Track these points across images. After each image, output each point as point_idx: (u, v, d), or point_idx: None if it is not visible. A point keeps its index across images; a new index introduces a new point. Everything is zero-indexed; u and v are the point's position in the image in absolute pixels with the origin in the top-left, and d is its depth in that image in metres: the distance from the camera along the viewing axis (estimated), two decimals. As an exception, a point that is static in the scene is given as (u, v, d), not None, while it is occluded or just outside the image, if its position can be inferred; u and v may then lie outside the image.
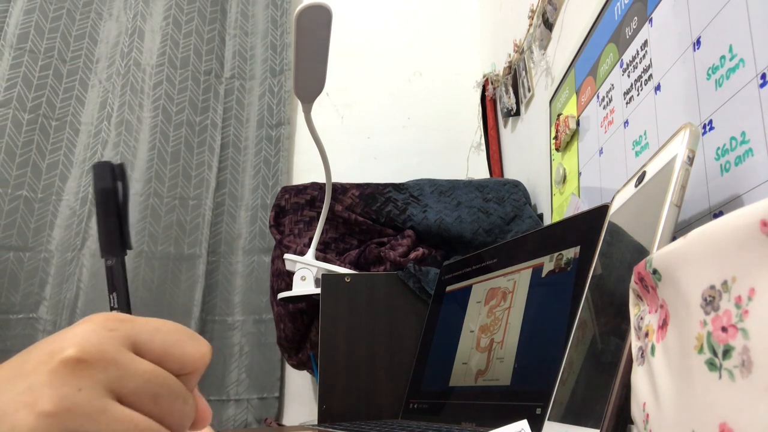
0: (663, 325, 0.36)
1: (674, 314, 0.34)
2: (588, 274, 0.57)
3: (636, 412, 0.39)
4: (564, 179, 0.97)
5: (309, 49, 0.90)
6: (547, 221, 1.11)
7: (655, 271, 0.36)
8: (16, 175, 1.42)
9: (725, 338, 0.28)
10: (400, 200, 1.17)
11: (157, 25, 1.56)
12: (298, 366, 1.30)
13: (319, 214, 1.12)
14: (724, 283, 0.29)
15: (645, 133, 0.69)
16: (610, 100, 0.80)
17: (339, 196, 1.17)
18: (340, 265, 1.11)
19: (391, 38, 1.75)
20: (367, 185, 1.19)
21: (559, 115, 1.00)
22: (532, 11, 1.19)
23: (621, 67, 0.77)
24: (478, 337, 0.81)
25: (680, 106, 0.61)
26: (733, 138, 0.52)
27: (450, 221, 1.14)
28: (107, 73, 1.55)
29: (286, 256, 1.09)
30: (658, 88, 0.66)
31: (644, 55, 0.70)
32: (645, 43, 0.70)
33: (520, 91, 1.32)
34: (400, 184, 1.20)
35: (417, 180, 1.22)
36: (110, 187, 0.45)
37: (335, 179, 1.14)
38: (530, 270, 0.76)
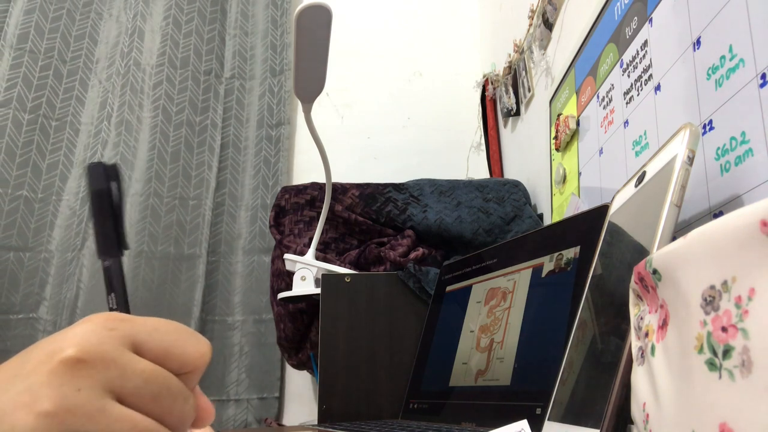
0: (663, 325, 0.36)
1: (674, 314, 0.34)
2: (588, 274, 0.57)
3: (636, 412, 0.39)
4: (564, 179, 0.97)
5: (309, 49, 0.90)
6: (547, 221, 1.11)
7: (655, 271, 0.36)
8: (16, 175, 1.42)
9: (725, 338, 0.28)
10: (400, 200, 1.17)
11: (157, 25, 1.56)
12: (298, 366, 1.30)
13: (319, 214, 1.12)
14: (724, 283, 0.29)
15: (645, 133, 0.69)
16: (610, 100, 0.80)
17: (339, 196, 1.17)
18: (340, 265, 1.11)
19: (391, 38, 1.75)
20: (367, 185, 1.19)
21: (559, 115, 1.00)
22: (532, 11, 1.19)
23: (621, 67, 0.77)
24: (478, 337, 0.81)
25: (680, 106, 0.61)
26: (733, 138, 0.51)
27: (450, 221, 1.14)
28: (107, 73, 1.55)
29: (286, 256, 1.09)
30: (658, 88, 0.66)
31: (644, 55, 0.70)
32: (645, 43, 0.70)
33: (520, 91, 1.32)
34: (400, 184, 1.20)
35: (417, 180, 1.22)
36: (104, 188, 0.45)
37: (335, 179, 1.14)
38: (530, 270, 0.76)
